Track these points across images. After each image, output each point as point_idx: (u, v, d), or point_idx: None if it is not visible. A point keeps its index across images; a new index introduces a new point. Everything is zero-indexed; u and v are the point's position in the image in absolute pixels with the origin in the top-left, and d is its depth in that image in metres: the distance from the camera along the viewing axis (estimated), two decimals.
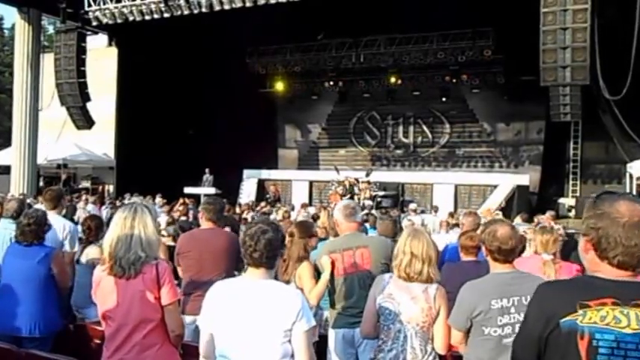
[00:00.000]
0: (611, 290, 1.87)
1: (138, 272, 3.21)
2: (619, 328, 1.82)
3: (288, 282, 4.65)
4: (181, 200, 16.20)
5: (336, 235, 5.08)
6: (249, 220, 13.31)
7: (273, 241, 2.84)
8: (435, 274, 3.52)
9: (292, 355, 2.76)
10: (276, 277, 5.04)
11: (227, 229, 5.81)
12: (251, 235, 2.82)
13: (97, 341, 4.22)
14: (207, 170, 21.03)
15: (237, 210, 15.09)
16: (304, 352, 2.75)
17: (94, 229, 5.48)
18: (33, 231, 4.51)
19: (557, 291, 2.02)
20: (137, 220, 3.26)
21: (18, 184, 18.17)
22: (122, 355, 3.23)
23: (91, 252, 5.34)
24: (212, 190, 19.79)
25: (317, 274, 4.48)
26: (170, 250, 5.84)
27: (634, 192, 15.58)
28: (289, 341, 2.74)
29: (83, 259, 5.39)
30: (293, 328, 2.72)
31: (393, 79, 23.73)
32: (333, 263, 4.27)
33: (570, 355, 1.86)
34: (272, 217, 12.27)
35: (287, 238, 4.39)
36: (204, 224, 5.29)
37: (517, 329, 3.09)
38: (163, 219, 10.33)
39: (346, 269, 4.27)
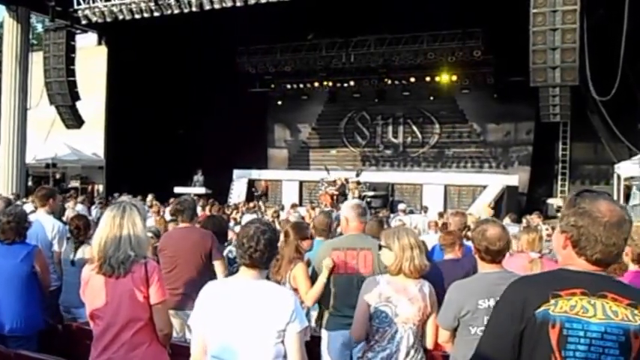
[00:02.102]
0: (580, 281, 1.92)
1: (127, 271, 3.20)
2: (586, 317, 1.87)
3: (279, 282, 4.66)
4: (171, 200, 16.19)
5: (327, 235, 5.05)
6: (238, 219, 13.31)
7: (272, 241, 2.87)
8: (426, 265, 3.59)
9: (285, 356, 2.77)
10: (267, 278, 5.10)
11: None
12: (250, 236, 2.82)
13: (86, 341, 4.20)
14: (199, 171, 21.01)
15: (227, 210, 15.04)
16: (297, 352, 2.76)
17: (83, 229, 5.47)
18: (13, 228, 4.47)
19: (529, 284, 2.05)
20: (126, 219, 3.25)
21: (6, 184, 18.05)
22: (110, 354, 3.21)
23: (86, 251, 5.32)
24: (202, 190, 19.77)
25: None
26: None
27: (621, 192, 15.69)
28: (282, 342, 2.75)
29: (77, 259, 5.35)
30: (287, 328, 2.73)
31: (383, 80, 23.76)
32: (332, 267, 4.25)
33: (542, 344, 1.89)
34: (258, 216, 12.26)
35: (282, 238, 4.44)
36: (180, 224, 5.63)
37: None
38: (152, 219, 10.27)
39: (347, 269, 4.24)
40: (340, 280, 4.23)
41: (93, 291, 3.28)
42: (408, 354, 3.45)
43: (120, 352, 3.20)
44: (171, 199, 16.60)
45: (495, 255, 3.31)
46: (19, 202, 10.94)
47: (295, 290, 4.35)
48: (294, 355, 2.76)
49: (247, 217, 12.68)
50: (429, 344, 3.56)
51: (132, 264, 3.20)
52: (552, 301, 1.90)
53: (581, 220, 1.93)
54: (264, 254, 2.81)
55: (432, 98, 24.09)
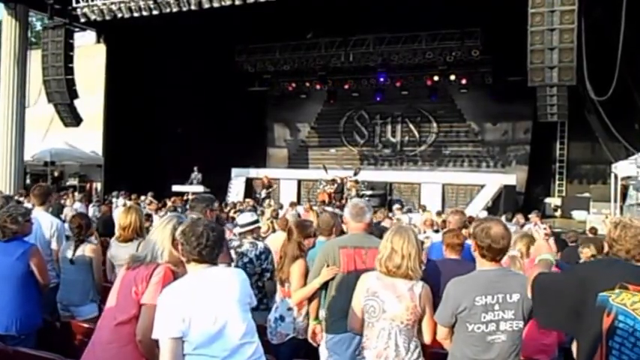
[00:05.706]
0: None
1: (136, 267, 3.37)
2: None
3: (284, 280, 4.67)
4: (173, 199, 16.28)
5: (329, 235, 5.03)
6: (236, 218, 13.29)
7: (220, 238, 3.10)
8: (414, 271, 3.52)
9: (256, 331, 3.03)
10: (272, 273, 5.20)
11: None
12: (199, 233, 2.99)
13: (83, 338, 4.21)
14: (195, 168, 20.97)
15: (225, 209, 15.06)
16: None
17: (85, 227, 5.43)
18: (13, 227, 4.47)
19: (604, 267, 2.07)
20: (162, 228, 3.49)
21: (4, 182, 18.02)
22: (101, 334, 3.38)
23: (86, 250, 5.32)
24: (200, 189, 19.75)
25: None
26: None
27: (618, 192, 15.71)
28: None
29: (76, 257, 5.34)
30: (252, 301, 3.09)
31: (381, 79, 23.77)
32: (331, 274, 4.16)
33: (594, 328, 1.91)
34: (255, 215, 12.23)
35: (285, 236, 4.48)
36: None
37: (501, 326, 3.14)
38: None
39: (356, 266, 4.11)
40: (349, 278, 4.07)
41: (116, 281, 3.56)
42: (399, 353, 3.46)
43: (107, 335, 3.34)
44: (173, 198, 16.71)
45: (497, 253, 3.28)
46: (16, 199, 10.93)
47: None
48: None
49: None
50: (427, 340, 3.57)
51: (147, 264, 3.37)
52: (617, 291, 1.88)
53: None
54: (213, 250, 2.98)
55: (430, 97, 24.09)
